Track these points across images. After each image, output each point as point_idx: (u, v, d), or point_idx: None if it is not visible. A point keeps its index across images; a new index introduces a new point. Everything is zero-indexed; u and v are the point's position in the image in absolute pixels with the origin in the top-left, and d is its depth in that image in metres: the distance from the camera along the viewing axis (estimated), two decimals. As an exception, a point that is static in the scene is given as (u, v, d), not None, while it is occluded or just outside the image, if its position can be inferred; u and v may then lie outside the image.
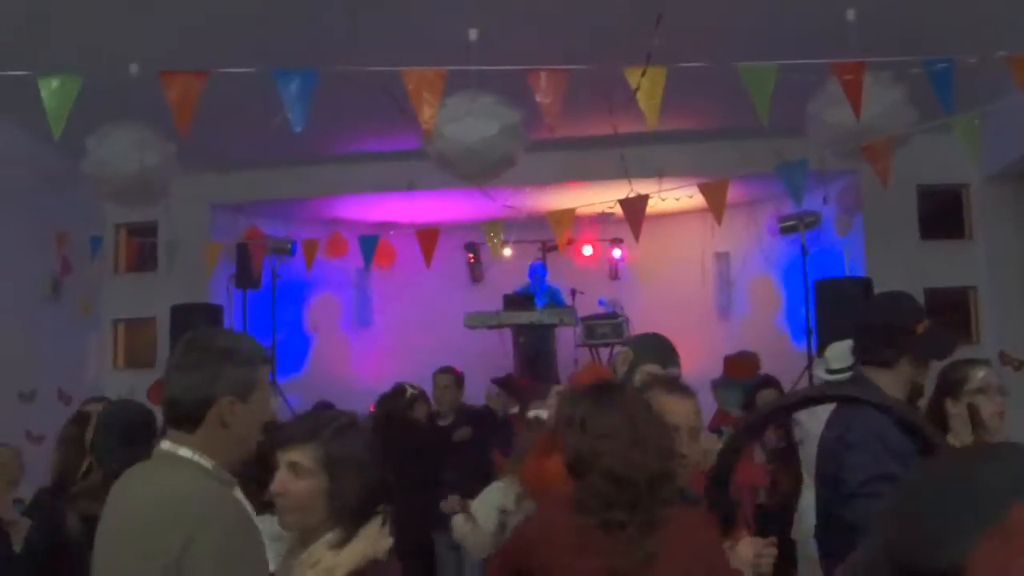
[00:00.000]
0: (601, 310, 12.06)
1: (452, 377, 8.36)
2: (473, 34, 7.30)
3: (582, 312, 11.68)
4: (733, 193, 8.02)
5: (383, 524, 2.66)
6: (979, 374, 4.29)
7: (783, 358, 11.35)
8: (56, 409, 9.72)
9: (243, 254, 10.95)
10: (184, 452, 2.54)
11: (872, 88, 6.42)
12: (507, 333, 11.22)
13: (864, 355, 3.63)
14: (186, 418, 2.56)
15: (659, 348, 4.36)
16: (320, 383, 11.61)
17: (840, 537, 3.30)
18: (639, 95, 6.06)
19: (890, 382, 3.57)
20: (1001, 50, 6.07)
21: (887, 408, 3.27)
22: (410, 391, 7.86)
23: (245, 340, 2.78)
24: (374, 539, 2.61)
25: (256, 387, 2.62)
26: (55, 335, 10.48)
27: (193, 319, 10.44)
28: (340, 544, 2.58)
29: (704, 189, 7.78)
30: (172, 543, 2.36)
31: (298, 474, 2.60)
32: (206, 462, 2.54)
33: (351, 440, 2.69)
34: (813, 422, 4.86)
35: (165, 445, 2.59)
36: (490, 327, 11.11)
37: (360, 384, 11.55)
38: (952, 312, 10.71)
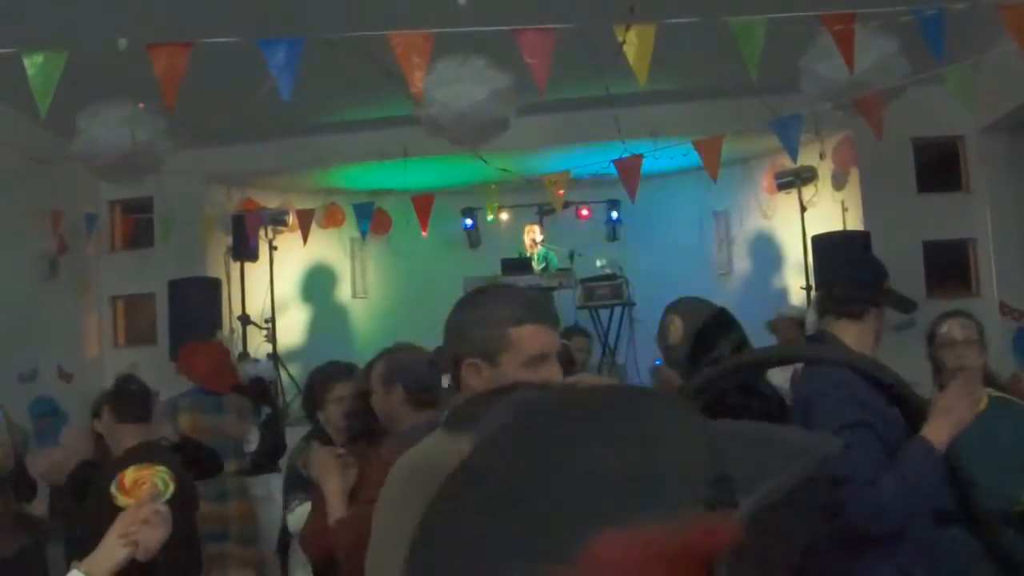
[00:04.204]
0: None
1: (584, 339, 7.43)
2: (462, -4, 7.24)
3: (580, 274, 11.65)
4: (729, 150, 7.99)
5: None
6: (942, 328, 4.31)
7: (783, 315, 11.35)
8: (57, 389, 9.75)
9: (239, 226, 10.92)
10: None
11: (864, 40, 6.37)
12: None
13: (839, 307, 3.54)
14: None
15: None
16: (319, 353, 11.60)
17: None
18: (628, 52, 5.99)
19: (860, 333, 3.46)
20: (992, -3, 6.02)
21: (850, 366, 3.21)
22: None
23: (512, 295, 2.44)
24: None
25: (507, 349, 2.29)
26: (54, 314, 10.47)
27: (191, 293, 10.45)
28: None
29: (699, 146, 7.74)
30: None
31: None
32: None
33: None
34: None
35: None
36: (489, 292, 11.03)
37: (359, 354, 11.52)
38: (951, 264, 10.71)
